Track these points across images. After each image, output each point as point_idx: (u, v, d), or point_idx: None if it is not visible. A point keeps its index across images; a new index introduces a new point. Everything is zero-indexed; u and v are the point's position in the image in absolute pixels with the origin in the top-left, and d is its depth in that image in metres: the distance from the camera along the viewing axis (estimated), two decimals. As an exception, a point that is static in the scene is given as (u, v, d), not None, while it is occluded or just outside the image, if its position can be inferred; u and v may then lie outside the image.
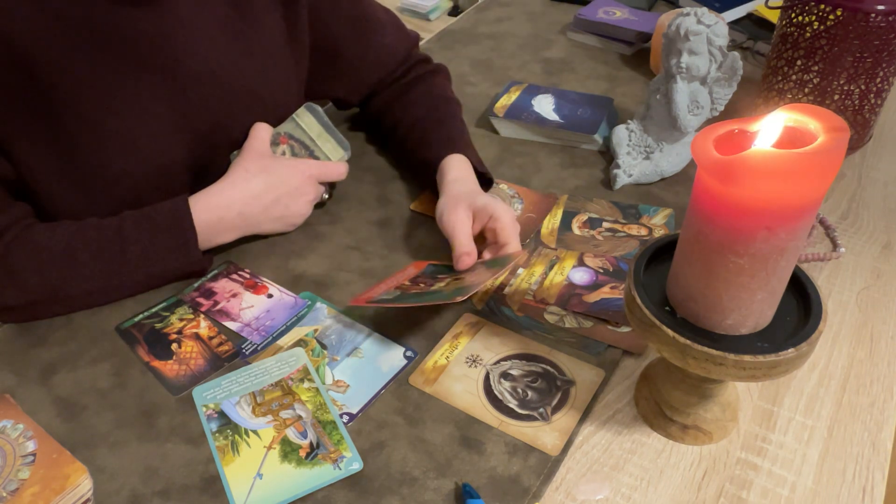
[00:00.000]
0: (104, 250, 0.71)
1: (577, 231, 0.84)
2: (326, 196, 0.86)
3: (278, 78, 0.85)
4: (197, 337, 0.72)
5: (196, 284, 0.77)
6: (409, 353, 0.70)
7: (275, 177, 0.78)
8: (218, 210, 0.75)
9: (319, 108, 0.85)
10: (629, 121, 0.95)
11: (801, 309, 0.56)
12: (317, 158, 0.85)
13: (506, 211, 0.75)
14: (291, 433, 0.63)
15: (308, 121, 0.83)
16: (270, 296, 0.76)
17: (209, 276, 0.78)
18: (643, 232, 0.84)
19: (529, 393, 0.66)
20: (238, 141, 0.82)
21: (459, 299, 0.65)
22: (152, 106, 0.75)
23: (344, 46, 0.90)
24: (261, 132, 0.81)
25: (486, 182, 0.87)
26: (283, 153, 0.82)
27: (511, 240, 0.74)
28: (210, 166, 0.83)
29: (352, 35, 0.90)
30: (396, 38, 0.95)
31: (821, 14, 0.87)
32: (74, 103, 0.71)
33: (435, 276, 0.74)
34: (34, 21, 0.67)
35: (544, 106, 1.02)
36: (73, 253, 0.70)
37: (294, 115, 0.84)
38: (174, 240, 0.73)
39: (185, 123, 0.78)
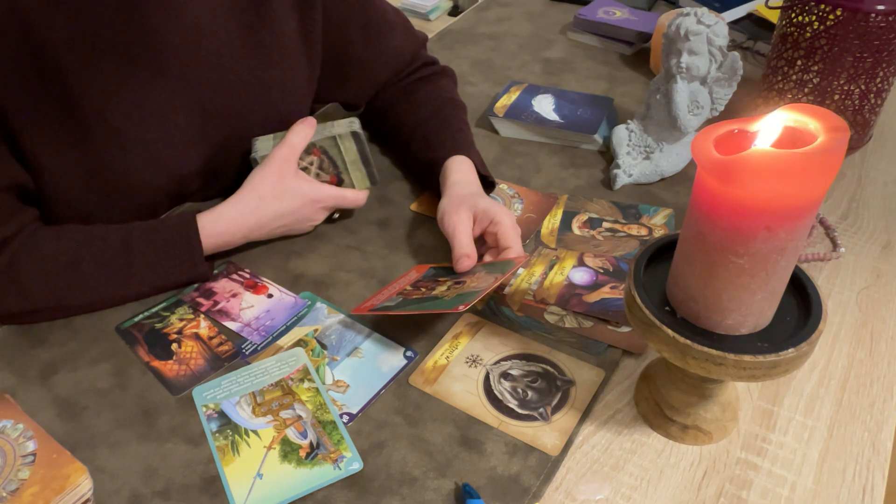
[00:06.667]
0: (110, 262, 0.72)
1: (577, 231, 0.84)
2: (336, 215, 0.85)
3: (295, 87, 0.85)
4: (197, 337, 0.72)
5: (196, 284, 0.77)
6: (409, 353, 0.70)
7: (286, 206, 0.78)
8: (225, 236, 0.76)
9: (363, 136, 0.81)
10: (629, 121, 0.95)
11: (801, 309, 0.56)
12: (342, 181, 0.83)
13: (507, 215, 0.75)
14: (291, 433, 0.63)
15: (348, 145, 0.80)
16: (270, 296, 0.76)
17: (209, 276, 0.78)
18: (643, 232, 0.84)
19: (529, 393, 0.66)
20: (250, 150, 0.82)
21: (462, 308, 0.65)
22: (172, 115, 0.75)
23: (354, 51, 0.90)
24: (295, 137, 0.78)
25: (488, 185, 0.87)
26: (311, 163, 0.80)
27: (512, 244, 0.74)
28: (221, 174, 0.83)
29: (362, 39, 0.89)
30: (405, 39, 0.95)
31: (821, 14, 0.87)
32: (102, 112, 0.71)
33: (436, 279, 0.74)
34: (65, 30, 0.67)
35: (544, 106, 1.02)
36: (78, 264, 0.71)
37: (337, 134, 0.80)
38: (181, 254, 0.74)
39: (202, 132, 0.78)
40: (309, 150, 0.80)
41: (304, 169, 0.81)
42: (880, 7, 0.84)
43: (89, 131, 0.71)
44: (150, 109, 0.74)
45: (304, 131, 0.79)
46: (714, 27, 0.84)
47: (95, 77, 0.70)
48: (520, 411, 0.64)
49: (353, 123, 0.81)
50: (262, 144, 0.81)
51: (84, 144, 0.72)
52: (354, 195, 0.82)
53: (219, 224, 0.75)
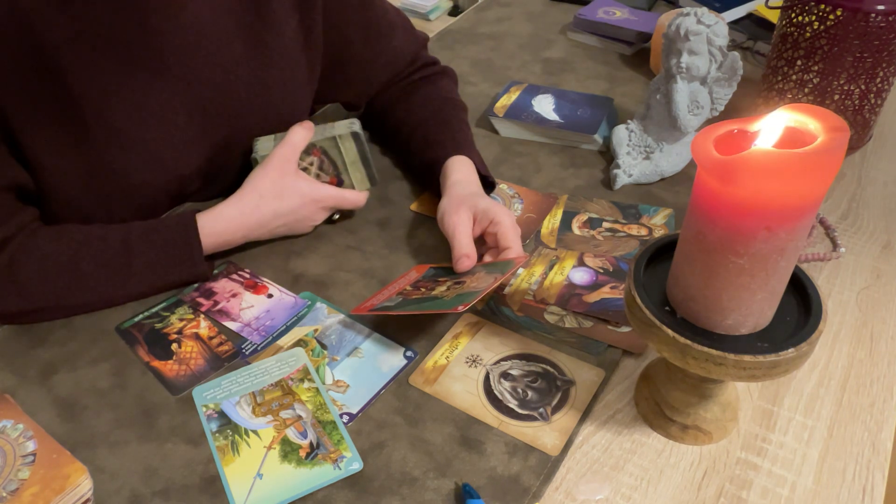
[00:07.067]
0: (110, 262, 0.72)
1: (577, 231, 0.84)
2: (336, 216, 0.85)
3: (295, 87, 0.85)
4: (197, 337, 0.72)
5: (196, 284, 0.77)
6: (409, 353, 0.70)
7: (286, 205, 0.77)
8: (225, 235, 0.76)
9: (363, 136, 0.81)
10: (629, 121, 0.95)
11: (801, 309, 0.56)
12: (342, 181, 0.83)
13: (507, 215, 0.75)
14: (291, 433, 0.63)
15: (348, 146, 0.81)
16: (270, 296, 0.76)
17: (209, 276, 0.78)
18: (643, 232, 0.84)
19: (529, 393, 0.66)
20: (250, 150, 0.82)
21: (461, 309, 0.65)
22: (172, 115, 0.75)
23: (355, 51, 0.90)
24: (295, 137, 0.79)
25: (488, 185, 0.87)
26: (311, 163, 0.80)
27: (512, 244, 0.74)
28: (221, 174, 0.83)
29: (363, 39, 0.89)
30: (405, 40, 0.95)
31: (821, 14, 0.87)
32: (102, 112, 0.71)
33: (436, 280, 0.74)
34: (65, 30, 0.67)
35: (544, 106, 1.02)
36: (78, 264, 0.71)
37: (337, 134, 0.80)
38: (180, 254, 0.74)
39: (202, 132, 0.78)
40: (309, 150, 0.80)
41: (305, 169, 0.81)
42: (880, 7, 0.84)
43: (89, 131, 0.71)
44: (150, 109, 0.74)
45: (303, 131, 0.79)
46: (714, 27, 0.84)
47: (95, 77, 0.70)
48: (520, 411, 0.64)
49: (354, 124, 0.81)
50: (262, 145, 0.81)
51: (84, 144, 0.72)
52: (355, 196, 0.82)
53: (218, 223, 0.75)
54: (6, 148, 0.69)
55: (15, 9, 0.65)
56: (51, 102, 0.69)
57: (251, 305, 0.75)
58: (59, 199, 0.74)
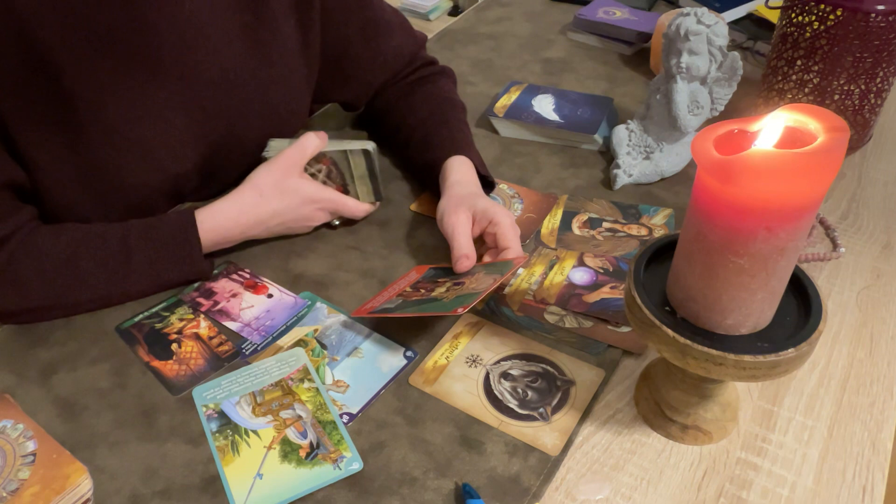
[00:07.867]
0: (109, 260, 0.72)
1: (577, 231, 0.84)
2: (336, 223, 0.85)
3: (293, 86, 0.85)
4: (197, 337, 0.72)
5: (196, 284, 0.77)
6: (409, 353, 0.70)
7: (286, 204, 0.77)
8: (223, 231, 0.76)
9: (374, 155, 0.82)
10: (629, 121, 0.95)
11: (801, 309, 0.56)
12: (347, 192, 0.83)
13: (506, 215, 0.75)
14: (291, 433, 0.63)
15: (357, 161, 0.81)
16: (270, 296, 0.76)
17: (209, 276, 0.78)
18: (643, 232, 0.84)
19: (529, 393, 0.66)
20: (250, 149, 0.82)
21: (461, 311, 0.65)
22: (170, 114, 0.75)
23: (353, 51, 0.90)
24: (307, 142, 0.78)
25: (488, 185, 0.87)
26: (319, 170, 0.81)
27: (511, 244, 0.74)
28: (219, 172, 0.83)
29: (361, 39, 0.89)
30: (404, 39, 0.95)
31: (821, 14, 0.87)
32: (98, 111, 0.71)
33: (435, 280, 0.74)
34: (60, 28, 0.67)
35: (544, 106, 1.02)
36: (77, 262, 0.71)
37: (349, 149, 0.81)
38: (179, 251, 0.74)
39: (200, 132, 0.78)
40: (319, 158, 0.81)
41: (312, 175, 0.81)
42: (880, 7, 0.84)
43: (85, 131, 0.71)
44: (146, 108, 0.74)
45: (317, 140, 0.79)
46: (714, 27, 0.84)
47: (91, 76, 0.69)
48: (520, 411, 0.64)
49: (368, 144, 0.82)
50: (275, 144, 0.81)
51: (79, 144, 0.71)
52: (356, 205, 0.82)
53: (217, 219, 0.75)
54: (3, 146, 0.69)
55: (9, 7, 0.65)
56: (46, 101, 0.69)
57: (251, 305, 0.75)
58: (55, 198, 0.73)
